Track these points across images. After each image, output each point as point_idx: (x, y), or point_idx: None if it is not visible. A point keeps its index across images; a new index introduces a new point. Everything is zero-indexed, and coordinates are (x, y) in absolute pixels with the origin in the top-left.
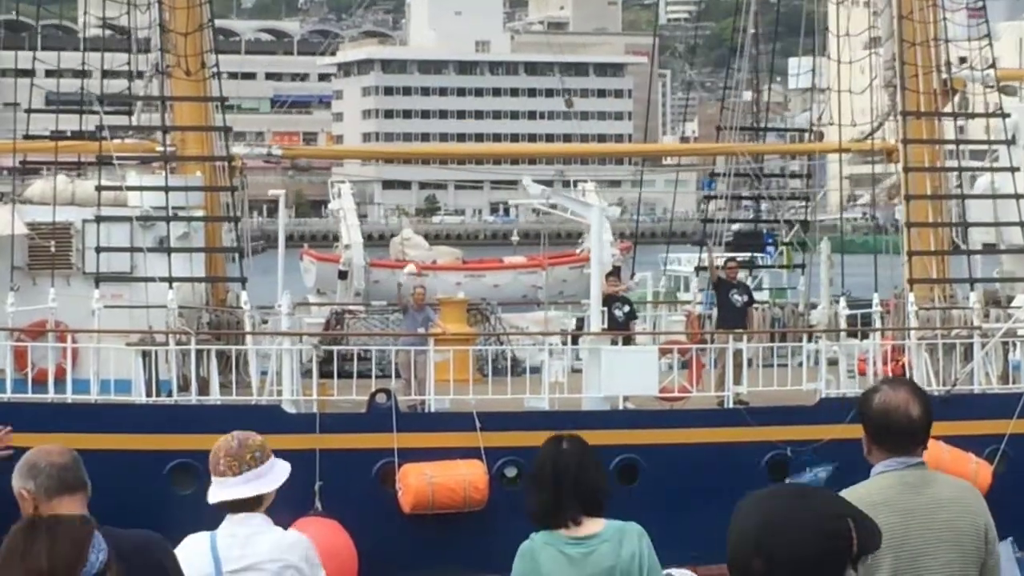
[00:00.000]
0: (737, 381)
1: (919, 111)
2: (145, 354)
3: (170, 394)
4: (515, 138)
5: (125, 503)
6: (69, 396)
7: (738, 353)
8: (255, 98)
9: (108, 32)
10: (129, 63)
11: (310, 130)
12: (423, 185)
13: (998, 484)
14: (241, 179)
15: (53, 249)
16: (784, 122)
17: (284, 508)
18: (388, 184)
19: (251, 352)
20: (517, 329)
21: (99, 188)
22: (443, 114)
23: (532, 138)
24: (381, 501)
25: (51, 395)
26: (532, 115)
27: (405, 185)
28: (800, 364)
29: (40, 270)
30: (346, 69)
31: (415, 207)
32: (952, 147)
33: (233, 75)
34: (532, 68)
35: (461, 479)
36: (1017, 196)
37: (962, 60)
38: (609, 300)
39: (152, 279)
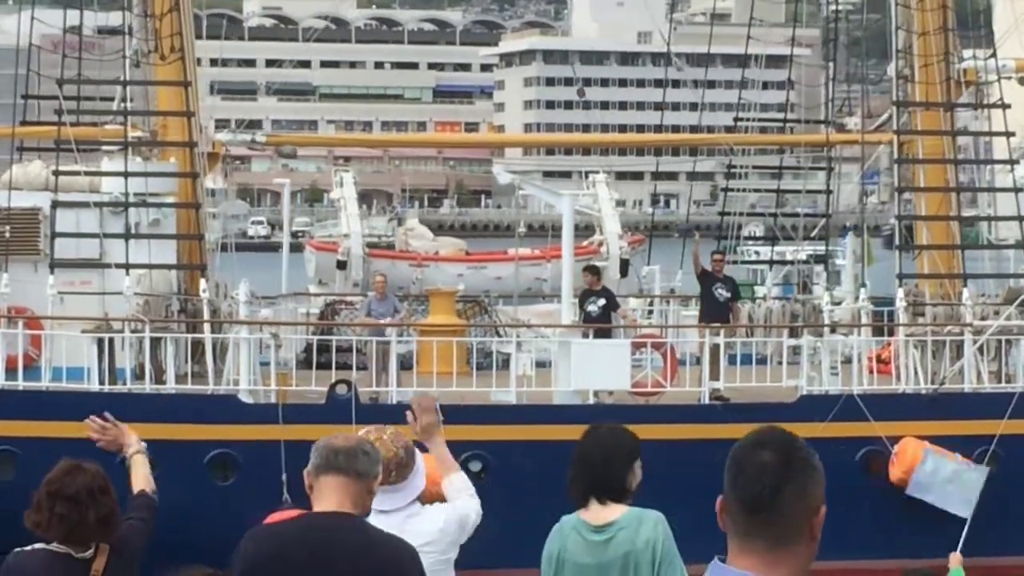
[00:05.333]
0: (715, 376)
1: (914, 101)
2: (101, 341)
3: (126, 382)
4: (676, 129)
5: None
6: (20, 383)
7: (716, 348)
8: (417, 87)
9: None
10: (124, 48)
11: (472, 120)
12: (585, 175)
13: (987, 486)
14: (225, 167)
15: (8, 235)
16: None
17: (256, 500)
18: (548, 175)
19: (207, 341)
20: (519, 322)
21: (56, 173)
22: (604, 105)
23: (694, 129)
24: None
25: (1, 382)
26: (694, 106)
27: (565, 175)
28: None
29: (6, 255)
30: (508, 59)
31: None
32: (971, 140)
33: (397, 64)
34: (694, 59)
35: None
36: (1016, 190)
37: None
38: (585, 295)
39: (108, 265)
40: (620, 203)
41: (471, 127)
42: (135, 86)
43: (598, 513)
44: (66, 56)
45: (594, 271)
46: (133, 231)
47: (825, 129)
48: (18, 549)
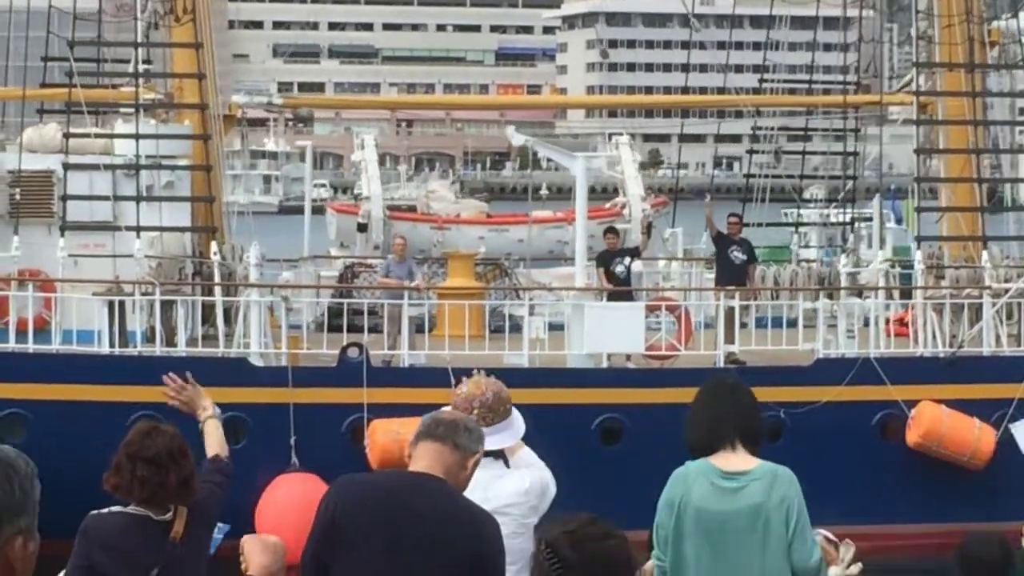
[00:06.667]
0: (730, 340)
1: (934, 62)
2: (112, 304)
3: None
4: (740, 92)
5: (87, 455)
6: (31, 346)
7: (731, 311)
8: (480, 50)
9: None
10: (135, 9)
11: (534, 83)
12: (647, 138)
13: (1003, 450)
14: (242, 129)
15: (18, 197)
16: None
17: (264, 463)
18: (611, 137)
19: (218, 304)
20: (540, 285)
21: (67, 135)
22: (667, 67)
23: (757, 92)
24: (353, 457)
25: (12, 344)
26: (757, 69)
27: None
28: (857, 324)
29: (20, 218)
30: (570, 22)
31: (639, 160)
32: (996, 101)
33: (459, 27)
34: (758, 22)
35: None
36: None
37: None
38: (608, 257)
39: (119, 228)
40: (683, 166)
41: (533, 89)
42: (154, 49)
43: (731, 461)
44: (78, 19)
45: (615, 232)
46: (148, 194)
47: (843, 91)
48: (95, 512)
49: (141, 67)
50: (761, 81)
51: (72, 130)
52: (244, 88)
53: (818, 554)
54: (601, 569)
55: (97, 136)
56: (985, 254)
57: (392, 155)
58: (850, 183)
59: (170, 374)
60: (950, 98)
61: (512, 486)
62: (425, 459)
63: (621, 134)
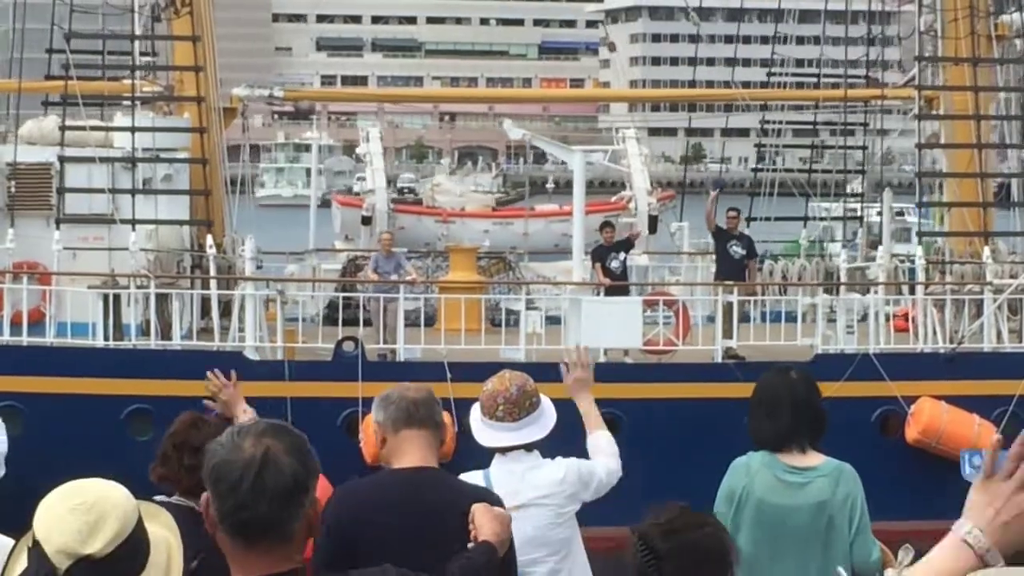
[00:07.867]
0: (728, 335)
1: (936, 56)
2: (107, 297)
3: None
4: (783, 86)
5: (81, 448)
6: (25, 339)
7: (729, 305)
8: (523, 44)
9: None
10: (134, 3)
11: (577, 77)
12: (689, 132)
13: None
14: (243, 121)
15: (13, 189)
16: None
17: None
18: (654, 131)
19: (213, 297)
20: (543, 279)
21: (63, 128)
22: (711, 61)
23: (799, 86)
24: (349, 452)
25: (7, 337)
26: (800, 63)
27: (671, 132)
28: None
29: (17, 210)
30: (614, 16)
31: (680, 155)
32: (1006, 95)
33: (502, 21)
34: (802, 16)
35: None
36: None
37: None
38: (603, 251)
39: (114, 221)
40: (726, 160)
41: (576, 83)
42: (159, 42)
43: (798, 457)
44: (84, 12)
45: (611, 227)
46: (147, 187)
47: (844, 84)
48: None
49: (143, 60)
50: (769, 75)
51: (69, 123)
52: (278, 81)
53: (877, 553)
54: (694, 558)
55: (93, 129)
56: (986, 249)
57: (435, 148)
58: (862, 177)
59: (215, 370)
60: (955, 93)
61: (547, 476)
62: (414, 450)
63: (629, 127)
